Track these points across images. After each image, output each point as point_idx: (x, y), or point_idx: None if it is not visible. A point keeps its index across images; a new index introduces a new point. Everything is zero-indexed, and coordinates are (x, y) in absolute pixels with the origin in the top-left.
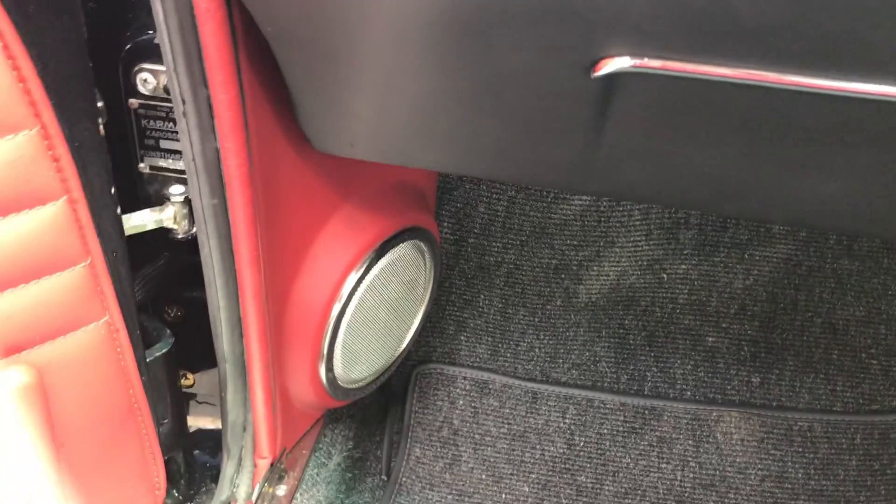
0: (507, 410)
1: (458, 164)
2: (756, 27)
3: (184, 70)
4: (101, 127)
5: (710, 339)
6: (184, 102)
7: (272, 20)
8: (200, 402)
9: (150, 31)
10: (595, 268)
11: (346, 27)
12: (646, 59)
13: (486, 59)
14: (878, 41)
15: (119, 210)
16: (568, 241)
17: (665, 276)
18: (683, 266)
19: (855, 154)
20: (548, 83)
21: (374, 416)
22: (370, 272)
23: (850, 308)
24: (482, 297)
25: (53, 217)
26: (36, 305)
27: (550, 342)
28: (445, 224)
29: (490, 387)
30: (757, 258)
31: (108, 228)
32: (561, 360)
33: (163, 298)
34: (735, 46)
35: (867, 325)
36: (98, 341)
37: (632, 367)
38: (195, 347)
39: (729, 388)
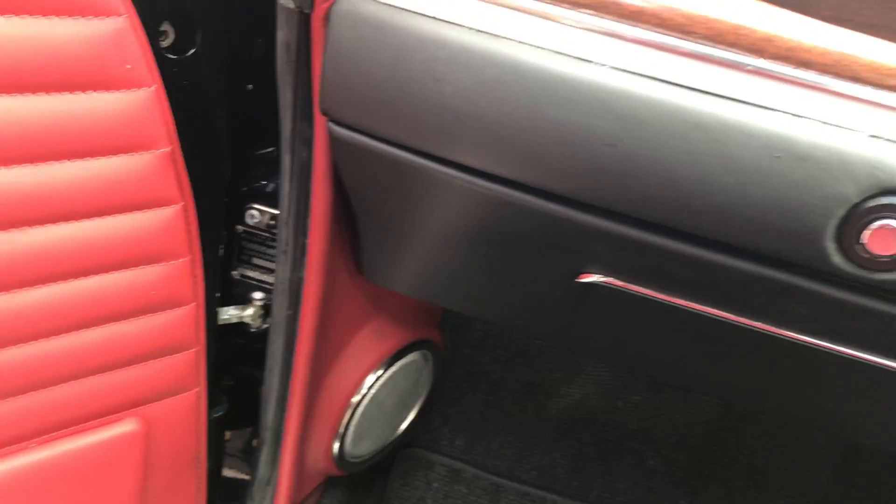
0: (473, 498)
1: (471, 309)
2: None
3: (293, 224)
4: (221, 250)
5: (651, 462)
6: (286, 244)
7: (363, 202)
8: (230, 455)
9: (263, 182)
10: (564, 388)
11: (413, 217)
12: (612, 279)
13: (506, 259)
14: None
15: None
16: (545, 364)
17: (620, 403)
18: (636, 397)
19: (764, 364)
20: (544, 278)
21: (362, 487)
22: (386, 373)
23: (770, 454)
24: (467, 398)
25: (185, 313)
26: (158, 376)
27: (518, 445)
28: (447, 335)
29: (462, 475)
30: (698, 399)
31: (210, 321)
32: (524, 461)
33: (222, 371)
34: (678, 290)
35: (781, 471)
36: (191, 405)
37: (582, 476)
38: (238, 412)
39: None
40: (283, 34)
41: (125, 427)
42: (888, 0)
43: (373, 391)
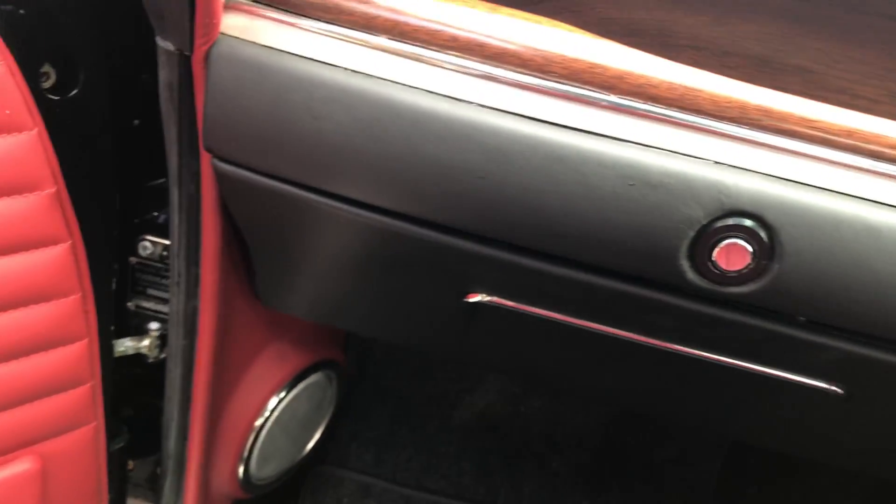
0: None
1: (367, 329)
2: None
3: (184, 255)
4: (114, 283)
5: (554, 464)
6: (179, 275)
7: (252, 232)
8: (135, 485)
9: (155, 213)
10: (467, 398)
11: (301, 246)
12: (497, 298)
13: (394, 283)
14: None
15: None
16: (448, 376)
17: (522, 409)
18: (537, 403)
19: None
20: (432, 299)
21: None
22: (288, 395)
23: (665, 450)
24: (374, 414)
25: (78, 348)
26: (53, 412)
27: (426, 456)
28: (352, 353)
29: (372, 490)
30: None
31: (105, 355)
32: (433, 472)
33: (122, 402)
34: (557, 306)
35: (676, 465)
36: (89, 439)
37: (489, 482)
38: (141, 441)
39: None
40: (165, 74)
41: (20, 467)
42: (737, 29)
43: (276, 413)
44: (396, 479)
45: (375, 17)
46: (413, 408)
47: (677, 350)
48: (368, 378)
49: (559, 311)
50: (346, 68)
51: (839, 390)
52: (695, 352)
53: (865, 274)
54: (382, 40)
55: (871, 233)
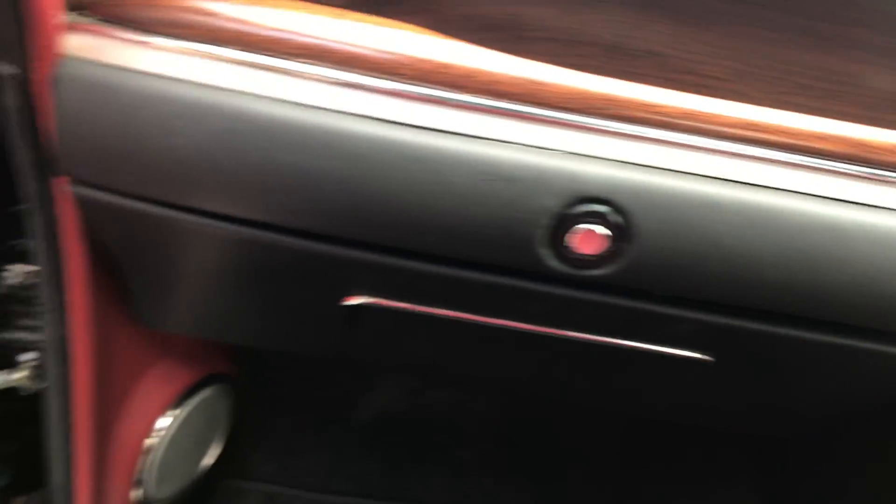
0: None
1: (252, 340)
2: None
3: (51, 282)
4: None
5: (459, 453)
6: (48, 303)
7: (121, 253)
8: None
9: (18, 240)
10: (367, 396)
11: (172, 263)
12: (375, 299)
13: (272, 292)
14: None
15: None
16: (346, 376)
17: (423, 401)
18: (438, 393)
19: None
20: (312, 305)
21: None
22: (179, 413)
23: (566, 427)
24: (274, 422)
25: None
26: None
27: (330, 458)
28: (245, 362)
29: (278, 499)
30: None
31: None
32: (339, 473)
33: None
34: (432, 301)
35: (577, 441)
36: None
37: (397, 477)
38: (27, 474)
39: (473, 492)
40: (9, 99)
41: None
42: (588, 18)
43: (167, 432)
44: (303, 485)
45: (221, 30)
46: (313, 412)
47: (552, 333)
48: (264, 386)
49: (436, 306)
50: (195, 82)
51: (708, 358)
52: (570, 334)
53: (714, 248)
54: (230, 52)
55: (716, 209)
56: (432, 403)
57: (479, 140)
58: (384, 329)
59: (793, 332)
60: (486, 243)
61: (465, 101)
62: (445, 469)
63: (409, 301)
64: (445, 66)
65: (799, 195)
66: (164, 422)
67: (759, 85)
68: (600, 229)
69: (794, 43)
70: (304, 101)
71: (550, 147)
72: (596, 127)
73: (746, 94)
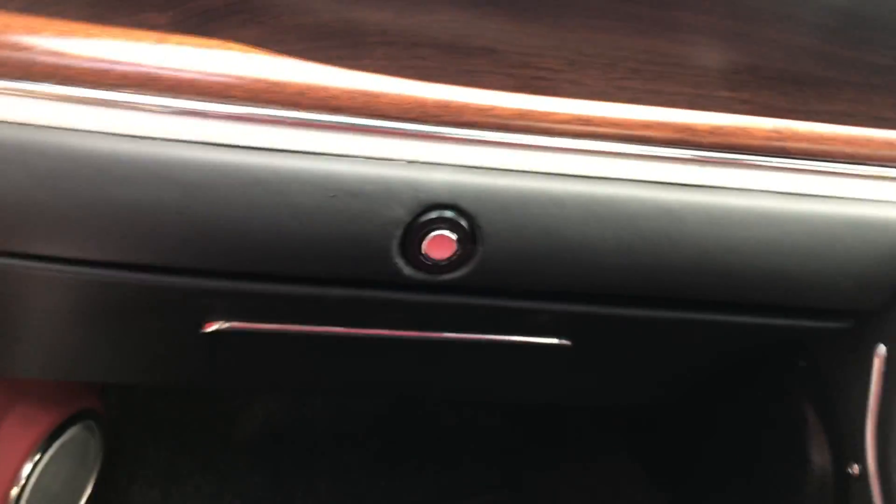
0: None
1: (115, 377)
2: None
3: None
4: None
5: (346, 457)
6: None
7: None
8: None
9: None
10: (246, 412)
11: (15, 311)
12: (235, 323)
13: (126, 328)
14: None
15: None
16: (221, 394)
17: (305, 410)
18: (319, 400)
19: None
20: (170, 337)
21: None
22: (44, 457)
23: (451, 418)
24: (151, 450)
25: None
26: None
27: (215, 479)
28: (113, 391)
29: None
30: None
31: None
32: (225, 493)
33: None
34: (294, 320)
35: (466, 431)
36: None
37: (284, 488)
38: None
39: (365, 493)
40: None
41: None
42: (422, 21)
43: (33, 479)
44: None
45: (34, 65)
46: (192, 434)
47: (418, 337)
48: (138, 415)
49: (297, 323)
50: (12, 122)
51: (567, 342)
52: (435, 335)
53: (559, 241)
54: (49, 87)
55: (558, 204)
56: (315, 411)
57: (319, 157)
58: (249, 351)
59: (641, 313)
60: (339, 259)
61: (301, 119)
62: (333, 476)
63: (271, 321)
64: (278, 84)
65: (632, 183)
66: (28, 469)
67: (593, 73)
68: (450, 234)
69: (622, 29)
70: (132, 133)
71: (392, 158)
72: (435, 134)
73: (582, 83)
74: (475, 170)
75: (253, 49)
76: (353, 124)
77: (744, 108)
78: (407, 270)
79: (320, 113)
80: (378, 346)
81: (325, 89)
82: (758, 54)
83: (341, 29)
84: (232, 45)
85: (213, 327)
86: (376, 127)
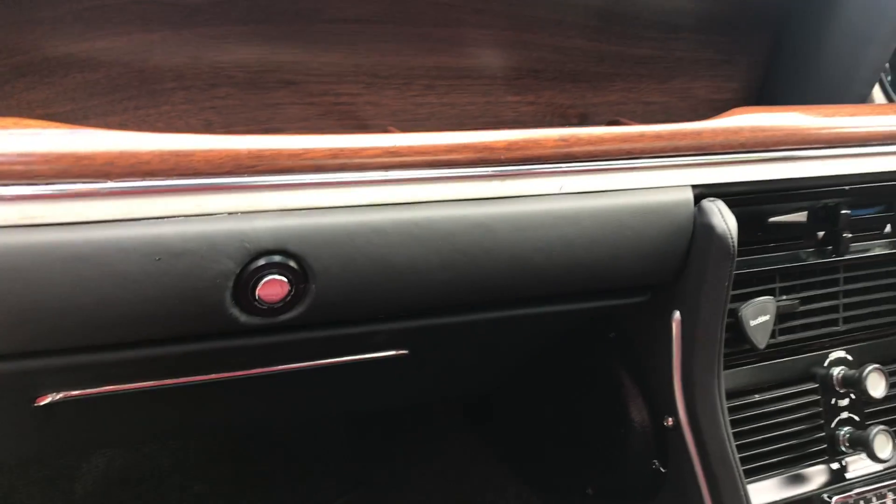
0: None
1: None
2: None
3: None
4: None
5: (196, 486)
6: None
7: None
8: None
9: None
10: (86, 464)
11: None
12: (70, 392)
13: None
14: None
15: None
16: (53, 455)
17: (146, 450)
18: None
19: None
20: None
21: None
22: None
23: (296, 433)
24: None
25: None
26: None
27: None
28: None
29: None
30: None
31: None
32: None
33: None
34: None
35: (307, 443)
36: None
37: None
38: None
39: None
40: None
41: None
42: (219, 61)
43: None
44: None
45: None
46: (30, 495)
47: (261, 373)
48: None
49: (140, 381)
50: None
51: (404, 352)
52: (279, 368)
53: (387, 267)
54: None
55: (379, 233)
56: (157, 451)
57: (139, 222)
58: (88, 414)
59: (468, 318)
60: (174, 318)
61: (115, 188)
62: None
63: (109, 384)
64: (85, 156)
65: (445, 203)
66: None
67: (390, 93)
68: (281, 277)
69: (413, 49)
70: None
71: (213, 212)
72: (253, 184)
73: (381, 104)
74: (298, 212)
75: (51, 124)
76: (169, 186)
77: (530, 109)
78: (243, 318)
79: (133, 180)
80: (223, 386)
81: (135, 155)
82: (537, 59)
83: (135, 79)
84: (28, 121)
85: (45, 401)
86: (191, 185)
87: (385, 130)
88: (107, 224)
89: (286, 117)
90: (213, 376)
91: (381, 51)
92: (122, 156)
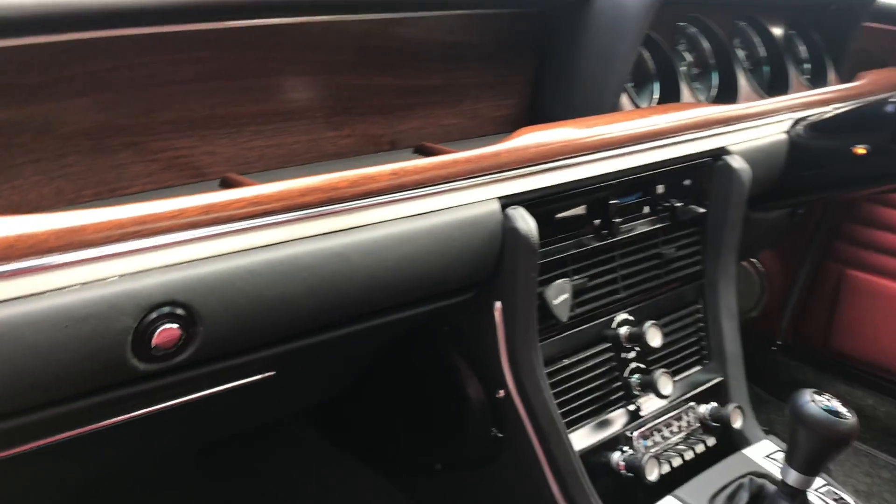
0: None
1: None
2: None
3: None
4: None
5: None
6: None
7: None
8: None
9: None
10: None
11: None
12: None
13: None
14: None
15: None
16: None
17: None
18: None
19: None
20: None
21: None
22: None
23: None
24: None
25: None
26: None
27: None
28: None
29: None
30: None
31: None
32: None
33: None
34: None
35: (267, 457)
36: None
37: None
38: None
39: None
40: None
41: None
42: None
43: None
44: None
45: None
46: None
47: (154, 411)
48: None
49: (35, 441)
50: None
51: (270, 373)
52: (168, 404)
53: (263, 303)
54: None
55: (253, 273)
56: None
57: (44, 295)
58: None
59: (331, 335)
60: (80, 377)
61: (18, 268)
62: None
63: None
64: None
65: (305, 240)
66: None
67: (223, 142)
68: (173, 325)
69: (239, 100)
70: None
71: (104, 277)
72: (140, 247)
73: (216, 153)
74: (181, 265)
75: None
76: (67, 260)
77: (349, 142)
78: (143, 367)
79: (33, 259)
80: (114, 431)
81: (33, 236)
82: (348, 98)
83: None
84: None
85: None
86: (86, 257)
87: (223, 176)
88: (15, 301)
89: (131, 175)
90: (109, 422)
91: (210, 105)
92: (21, 238)
